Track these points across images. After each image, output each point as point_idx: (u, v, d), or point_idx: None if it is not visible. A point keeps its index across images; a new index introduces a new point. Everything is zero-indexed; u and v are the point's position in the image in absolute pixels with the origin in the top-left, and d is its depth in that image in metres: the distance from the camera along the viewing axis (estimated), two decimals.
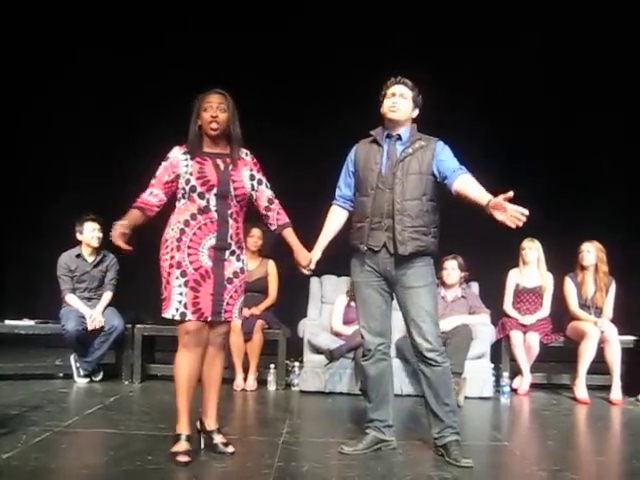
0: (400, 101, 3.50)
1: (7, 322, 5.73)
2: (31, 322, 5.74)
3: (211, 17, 7.16)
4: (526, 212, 3.12)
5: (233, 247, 3.38)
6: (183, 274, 3.29)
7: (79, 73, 7.20)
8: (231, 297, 3.38)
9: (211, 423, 3.45)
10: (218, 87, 3.42)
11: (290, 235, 3.52)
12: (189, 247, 3.30)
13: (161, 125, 5.81)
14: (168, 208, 3.42)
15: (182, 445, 3.27)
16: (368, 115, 3.73)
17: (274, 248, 5.84)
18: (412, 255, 3.41)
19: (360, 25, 7.01)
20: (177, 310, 3.28)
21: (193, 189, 3.31)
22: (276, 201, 3.53)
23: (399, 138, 3.53)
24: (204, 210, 3.32)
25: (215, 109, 3.35)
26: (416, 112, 3.59)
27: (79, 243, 5.66)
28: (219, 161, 3.38)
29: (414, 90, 3.56)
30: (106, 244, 5.69)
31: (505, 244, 5.96)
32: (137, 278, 6.34)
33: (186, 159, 3.37)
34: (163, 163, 3.42)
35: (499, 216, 3.19)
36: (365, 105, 4.00)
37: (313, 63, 7.08)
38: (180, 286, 3.29)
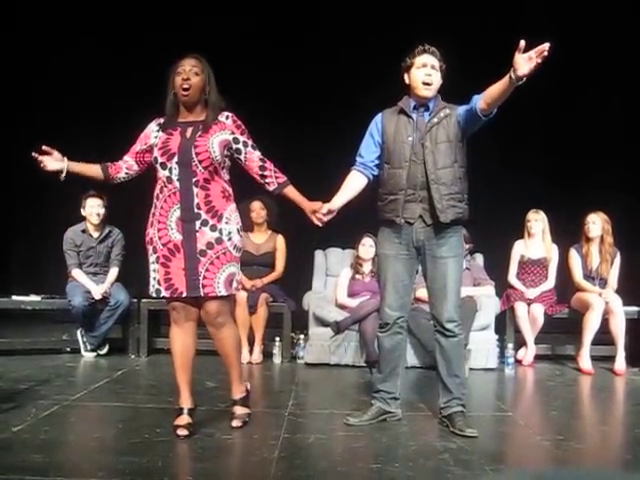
0: (433, 74, 3.42)
1: (14, 298, 5.77)
2: (37, 297, 5.77)
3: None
4: (546, 46, 2.95)
5: (204, 216, 3.21)
6: (154, 250, 3.27)
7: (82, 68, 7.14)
8: (207, 270, 3.21)
9: (233, 392, 3.47)
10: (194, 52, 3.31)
11: (292, 192, 3.37)
12: (159, 222, 3.25)
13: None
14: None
15: (183, 419, 3.30)
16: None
17: (278, 220, 5.88)
18: (448, 224, 3.40)
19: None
20: (153, 287, 3.28)
21: (156, 160, 3.24)
22: (268, 161, 3.35)
23: (427, 109, 3.46)
24: (168, 181, 3.22)
25: (187, 72, 3.21)
26: (441, 82, 3.51)
27: (84, 219, 5.67)
28: (189, 129, 3.24)
29: (441, 59, 3.47)
30: (111, 219, 5.74)
31: (510, 216, 5.97)
32: (143, 253, 6.36)
33: (158, 130, 3.30)
34: (140, 134, 3.39)
35: (526, 68, 3.00)
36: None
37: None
38: (153, 263, 3.28)
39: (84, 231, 5.65)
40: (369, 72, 6.67)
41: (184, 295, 3.24)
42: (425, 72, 3.41)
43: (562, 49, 6.77)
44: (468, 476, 2.79)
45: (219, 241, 3.24)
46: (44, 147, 3.22)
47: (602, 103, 7.06)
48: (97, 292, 5.46)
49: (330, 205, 3.43)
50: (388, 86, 3.56)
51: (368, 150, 3.55)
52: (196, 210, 3.22)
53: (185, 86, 3.21)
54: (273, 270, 5.83)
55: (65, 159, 3.26)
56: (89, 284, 5.50)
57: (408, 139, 3.42)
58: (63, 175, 3.25)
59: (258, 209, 5.82)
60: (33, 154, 3.19)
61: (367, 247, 5.51)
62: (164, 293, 3.26)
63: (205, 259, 3.22)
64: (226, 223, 3.27)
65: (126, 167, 3.37)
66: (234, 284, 3.31)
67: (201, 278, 3.21)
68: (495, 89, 3.18)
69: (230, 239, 3.28)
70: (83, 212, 5.64)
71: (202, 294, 3.23)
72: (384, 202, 3.47)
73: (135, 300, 5.64)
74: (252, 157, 3.32)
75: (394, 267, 3.50)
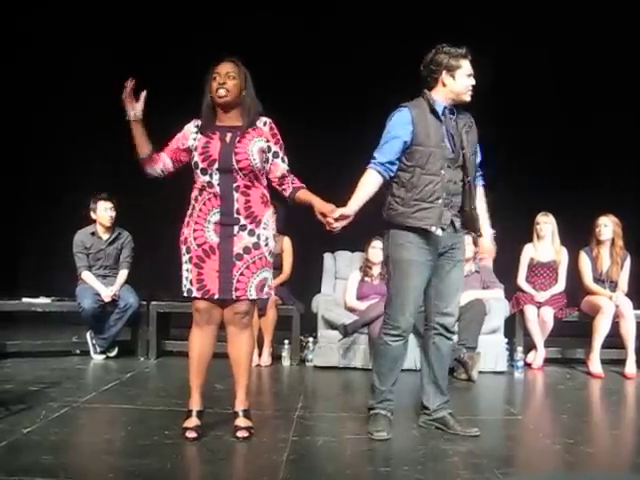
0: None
1: (24, 300, 5.79)
2: (47, 300, 5.79)
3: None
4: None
5: (242, 222, 3.23)
6: (188, 250, 3.27)
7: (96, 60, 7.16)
8: (242, 274, 3.22)
9: (236, 404, 3.36)
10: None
11: (306, 194, 3.30)
12: (196, 222, 3.25)
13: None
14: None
15: (192, 421, 3.30)
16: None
17: (285, 223, 5.88)
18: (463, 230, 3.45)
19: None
20: (185, 287, 3.28)
21: (196, 165, 3.24)
22: (291, 175, 3.34)
23: (451, 112, 3.38)
24: (208, 186, 3.23)
25: (223, 76, 3.22)
26: None
27: (94, 221, 5.69)
28: (228, 134, 3.25)
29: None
30: (120, 222, 5.76)
31: (519, 219, 5.95)
32: (153, 255, 6.39)
33: (196, 132, 3.30)
34: (178, 133, 3.38)
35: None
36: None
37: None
38: (186, 262, 3.27)
39: (94, 233, 5.67)
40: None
41: (216, 297, 3.23)
42: (472, 82, 3.34)
43: (570, 51, 6.86)
44: None
45: (257, 246, 3.26)
46: (143, 93, 3.22)
47: (613, 105, 7.03)
48: (106, 294, 5.48)
49: (345, 210, 3.25)
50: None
51: (392, 150, 3.31)
52: (236, 215, 3.23)
53: (221, 91, 3.22)
54: (281, 272, 5.84)
55: (140, 117, 3.25)
56: (99, 286, 5.52)
57: (443, 144, 3.30)
58: (131, 115, 3.24)
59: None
60: (128, 81, 3.18)
61: (377, 250, 5.50)
62: (195, 293, 3.25)
63: (241, 263, 3.23)
64: (264, 229, 3.29)
65: (163, 164, 3.35)
66: (265, 289, 3.31)
67: (235, 281, 3.22)
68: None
69: (267, 245, 3.30)
70: (93, 215, 5.66)
71: (234, 297, 3.24)
72: (413, 208, 3.29)
73: (144, 302, 5.65)
74: (277, 167, 3.32)
75: (421, 274, 3.36)
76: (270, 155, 3.31)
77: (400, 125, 3.31)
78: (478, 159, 3.48)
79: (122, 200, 5.71)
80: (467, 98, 3.36)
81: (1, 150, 7.29)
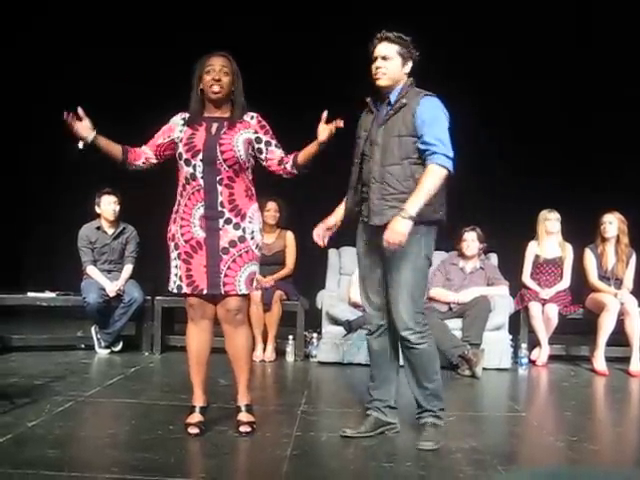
0: (383, 65, 3.18)
1: (29, 294, 5.80)
2: (52, 294, 5.80)
3: None
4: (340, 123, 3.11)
5: (227, 215, 3.21)
6: (176, 247, 3.27)
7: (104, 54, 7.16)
8: (229, 268, 3.20)
9: (238, 399, 3.37)
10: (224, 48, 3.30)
11: (304, 151, 3.27)
12: (182, 219, 3.24)
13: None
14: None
15: (194, 417, 3.30)
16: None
17: (290, 220, 5.89)
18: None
19: None
20: (174, 283, 3.28)
21: (180, 156, 3.23)
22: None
23: (389, 102, 3.23)
24: (191, 177, 3.20)
25: (218, 72, 3.20)
26: (409, 66, 3.23)
27: (99, 216, 5.70)
28: (214, 125, 3.24)
29: (401, 43, 3.19)
30: (125, 217, 5.77)
31: (524, 215, 5.94)
32: (157, 250, 6.38)
33: (183, 124, 3.28)
34: (164, 126, 3.36)
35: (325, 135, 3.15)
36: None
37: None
38: (175, 259, 3.27)
39: (99, 228, 5.68)
40: None
41: (205, 292, 3.23)
42: (375, 65, 3.20)
43: (577, 47, 6.83)
44: (480, 476, 2.78)
45: (242, 239, 3.25)
46: (79, 110, 3.17)
47: (617, 102, 7.00)
48: (111, 289, 5.49)
49: (407, 208, 3.02)
50: None
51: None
52: (220, 208, 3.22)
53: (216, 87, 3.21)
54: (284, 267, 5.84)
55: (94, 130, 3.21)
56: (103, 281, 5.54)
57: (364, 134, 3.26)
58: (83, 144, 3.19)
59: (273, 210, 5.83)
60: (65, 113, 3.12)
61: None
62: (185, 289, 3.25)
63: (227, 257, 3.22)
64: (249, 222, 3.28)
65: (145, 157, 3.34)
66: (254, 283, 3.32)
67: (222, 276, 3.21)
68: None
69: (253, 238, 3.29)
70: (98, 209, 5.68)
71: (223, 292, 3.23)
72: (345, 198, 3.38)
73: (149, 297, 5.66)
74: (274, 154, 3.31)
75: (364, 265, 3.32)
76: (262, 146, 3.30)
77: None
78: (431, 139, 3.09)
79: (127, 195, 5.72)
80: (378, 82, 3.20)
81: (4, 143, 7.29)
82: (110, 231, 5.70)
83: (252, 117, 3.32)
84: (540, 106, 6.97)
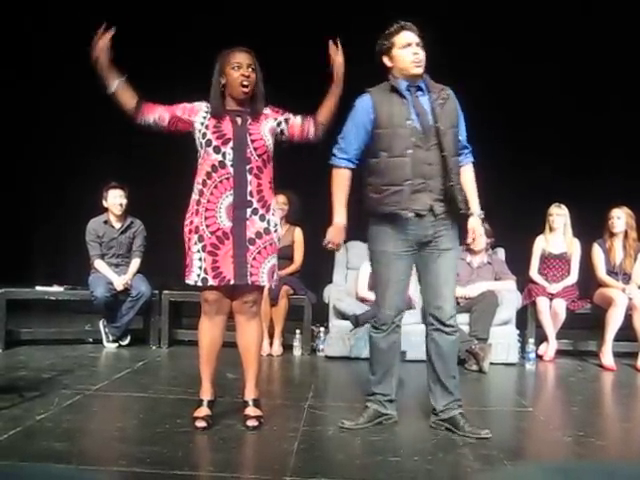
0: (421, 52, 3.20)
1: (37, 288, 5.82)
2: (60, 288, 5.82)
3: None
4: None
5: (255, 205, 3.22)
6: (200, 239, 3.22)
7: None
8: (254, 259, 3.21)
9: (246, 393, 3.38)
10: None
11: (323, 106, 3.29)
12: (206, 209, 3.21)
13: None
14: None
15: (202, 410, 3.31)
16: None
17: (300, 214, 5.88)
18: (453, 214, 3.22)
19: None
20: (199, 276, 3.23)
21: (209, 143, 3.20)
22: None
23: (419, 89, 3.23)
24: (220, 165, 3.19)
25: (245, 68, 3.22)
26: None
27: (106, 210, 5.72)
28: (238, 118, 3.25)
29: (421, 35, 3.25)
30: (133, 211, 5.78)
31: (532, 210, 5.92)
32: (165, 244, 6.39)
33: (206, 112, 3.26)
34: (186, 103, 3.31)
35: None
36: None
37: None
38: (199, 251, 3.23)
39: (106, 222, 5.70)
40: None
41: (232, 283, 3.22)
42: (412, 51, 3.20)
43: (584, 44, 6.79)
44: (487, 471, 2.78)
45: (267, 232, 3.27)
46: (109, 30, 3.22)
47: (625, 98, 6.97)
48: (119, 283, 5.51)
49: (336, 221, 3.32)
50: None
51: (356, 141, 3.27)
52: (249, 197, 3.22)
53: (245, 83, 3.22)
54: (292, 262, 5.84)
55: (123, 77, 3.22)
56: (111, 275, 5.55)
57: (408, 122, 3.17)
58: (117, 83, 3.21)
59: (281, 203, 5.80)
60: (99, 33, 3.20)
61: None
62: (211, 282, 3.22)
63: (253, 247, 3.23)
64: (272, 214, 3.31)
65: (159, 116, 3.27)
66: (275, 275, 3.33)
67: (249, 266, 3.22)
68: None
69: (276, 231, 3.33)
70: (105, 203, 5.69)
71: (249, 282, 3.23)
72: (383, 194, 3.19)
73: (156, 291, 5.68)
74: (294, 122, 3.32)
75: (395, 265, 3.26)
76: (282, 122, 3.31)
77: (360, 110, 3.28)
78: (464, 134, 3.30)
79: (135, 189, 5.73)
80: (415, 71, 3.21)
81: (12, 139, 7.31)
82: (117, 225, 5.71)
83: (265, 109, 3.33)
84: (550, 101, 6.95)
